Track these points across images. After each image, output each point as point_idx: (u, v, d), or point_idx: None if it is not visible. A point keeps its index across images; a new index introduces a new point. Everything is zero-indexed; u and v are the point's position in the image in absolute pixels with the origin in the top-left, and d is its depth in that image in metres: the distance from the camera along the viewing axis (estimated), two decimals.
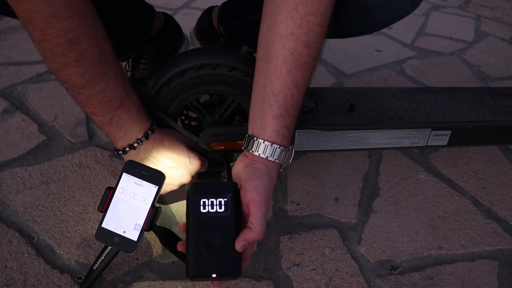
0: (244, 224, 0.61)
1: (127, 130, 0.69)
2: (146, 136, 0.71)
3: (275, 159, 0.64)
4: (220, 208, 0.61)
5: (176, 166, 0.76)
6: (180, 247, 0.64)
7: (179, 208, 0.91)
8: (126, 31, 1.00)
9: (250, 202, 0.60)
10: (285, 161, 0.65)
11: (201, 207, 0.61)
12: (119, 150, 0.72)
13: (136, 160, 0.71)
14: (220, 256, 0.59)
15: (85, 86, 0.62)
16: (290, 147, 0.66)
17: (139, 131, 0.70)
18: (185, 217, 0.62)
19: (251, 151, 0.64)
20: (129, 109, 0.68)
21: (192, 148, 0.80)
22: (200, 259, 0.59)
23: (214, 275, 0.58)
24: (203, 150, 0.82)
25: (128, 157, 0.72)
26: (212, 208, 0.61)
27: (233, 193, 0.62)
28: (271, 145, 0.63)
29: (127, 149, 0.71)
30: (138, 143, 0.70)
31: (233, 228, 0.60)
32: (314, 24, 0.60)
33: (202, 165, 0.79)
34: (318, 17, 0.60)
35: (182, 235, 0.64)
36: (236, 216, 0.61)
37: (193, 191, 0.62)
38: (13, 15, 0.75)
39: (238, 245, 0.59)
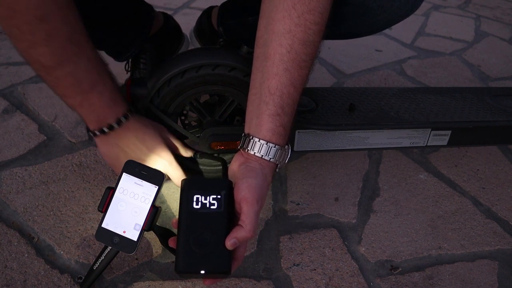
0: (236, 222, 0.60)
1: (99, 115, 0.67)
2: (119, 123, 0.69)
3: (270, 158, 0.63)
4: (213, 204, 0.60)
5: (140, 159, 0.73)
6: (171, 242, 0.63)
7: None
8: (126, 31, 1.00)
9: (242, 200, 0.59)
10: (280, 160, 0.64)
11: (194, 203, 0.60)
12: (90, 131, 0.70)
13: (106, 145, 0.70)
14: (210, 253, 0.58)
15: (54, 67, 0.60)
16: (286, 146, 0.65)
17: (111, 117, 0.68)
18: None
19: (246, 150, 0.63)
20: (100, 94, 0.66)
21: (171, 149, 0.77)
22: (190, 255, 0.58)
23: (202, 272, 0.57)
24: (184, 159, 0.81)
25: (99, 140, 0.70)
26: (205, 204, 0.60)
27: (227, 190, 0.62)
28: (266, 144, 0.62)
29: (97, 132, 0.69)
30: (110, 129, 0.69)
31: (225, 225, 0.59)
32: (312, 23, 0.60)
33: (173, 169, 0.76)
34: (315, 16, 0.60)
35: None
36: (229, 214, 0.61)
37: (187, 187, 0.62)
38: None
39: (229, 243, 0.58)
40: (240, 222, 0.59)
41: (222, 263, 0.58)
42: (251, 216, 0.58)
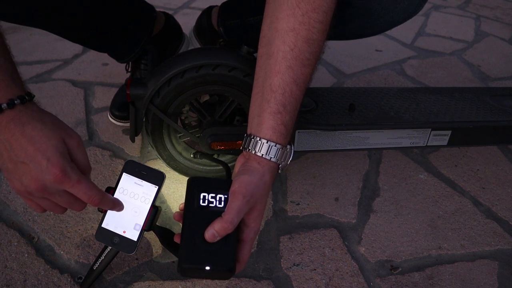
0: (240, 224, 0.60)
1: None
2: None
3: (271, 158, 0.62)
4: (220, 203, 0.60)
5: (24, 161, 0.56)
6: (177, 238, 0.62)
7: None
8: (129, 33, 1.00)
9: (230, 194, 0.59)
10: (282, 160, 0.63)
11: (201, 201, 0.60)
12: None
13: None
14: (215, 250, 0.58)
15: None
16: (288, 146, 0.64)
17: None
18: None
19: (248, 150, 0.63)
20: None
21: (78, 165, 0.60)
22: (194, 251, 0.57)
23: (207, 267, 0.57)
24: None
25: None
26: (212, 203, 0.60)
27: None
28: (267, 142, 0.61)
29: None
30: None
31: None
32: (316, 21, 0.60)
33: (60, 180, 0.56)
34: (320, 14, 0.60)
35: (178, 227, 0.64)
36: None
37: (194, 184, 0.62)
38: (9, 19, 0.76)
39: (207, 235, 0.57)
40: (222, 214, 0.58)
41: (227, 260, 0.58)
42: (232, 207, 0.58)
